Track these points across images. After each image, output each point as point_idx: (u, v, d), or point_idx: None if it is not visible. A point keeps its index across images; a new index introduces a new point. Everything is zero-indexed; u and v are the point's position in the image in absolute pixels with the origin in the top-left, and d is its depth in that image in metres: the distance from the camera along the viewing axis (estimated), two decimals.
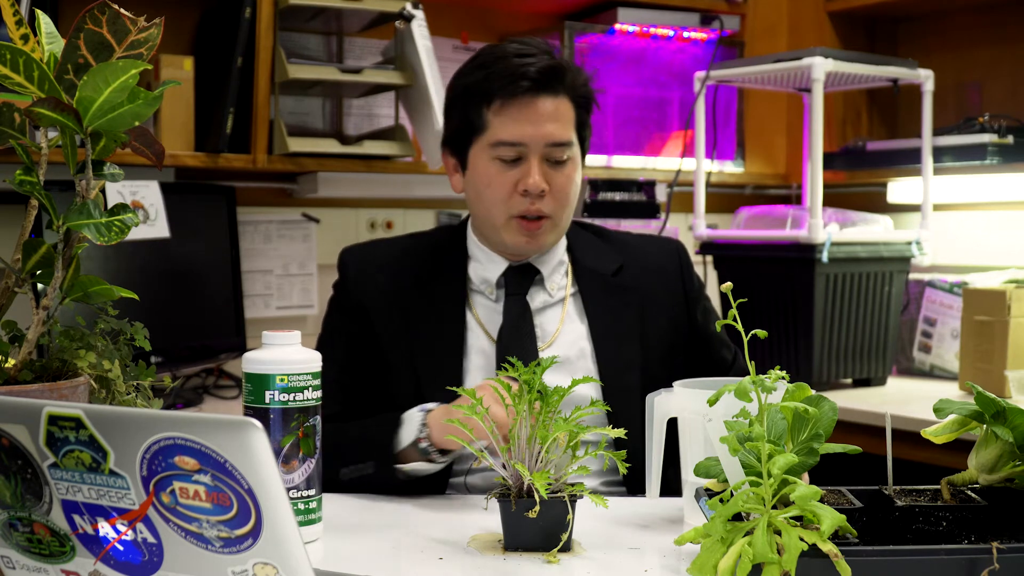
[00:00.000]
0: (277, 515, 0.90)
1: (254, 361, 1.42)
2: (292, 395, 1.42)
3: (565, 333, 1.91)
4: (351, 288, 1.94)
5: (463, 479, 1.83)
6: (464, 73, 1.90)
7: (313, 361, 1.45)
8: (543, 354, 1.88)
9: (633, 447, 1.57)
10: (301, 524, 1.43)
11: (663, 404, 1.52)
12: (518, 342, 1.87)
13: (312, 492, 1.45)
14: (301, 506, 1.44)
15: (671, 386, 1.52)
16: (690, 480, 1.48)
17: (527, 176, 1.84)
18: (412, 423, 1.71)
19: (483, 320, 1.91)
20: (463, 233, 1.98)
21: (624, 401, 1.83)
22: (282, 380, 1.41)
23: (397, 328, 1.89)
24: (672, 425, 1.53)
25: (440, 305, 1.91)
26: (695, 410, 1.47)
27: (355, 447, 1.75)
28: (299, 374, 1.42)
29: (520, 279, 1.92)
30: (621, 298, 1.94)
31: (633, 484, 1.85)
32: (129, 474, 0.93)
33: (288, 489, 1.41)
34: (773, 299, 3.01)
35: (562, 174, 1.87)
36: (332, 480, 1.67)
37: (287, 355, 1.43)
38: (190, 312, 2.81)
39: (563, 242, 1.97)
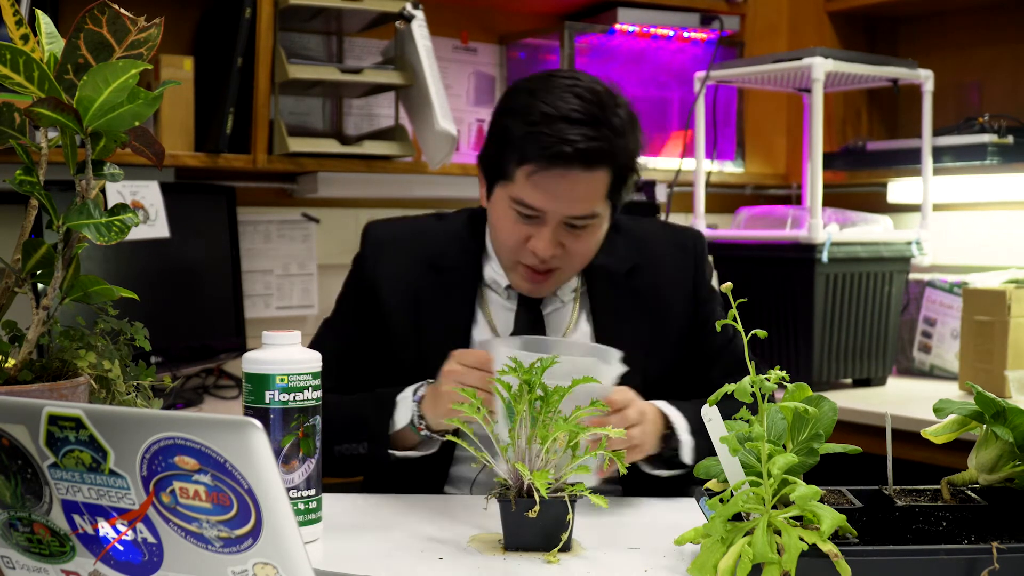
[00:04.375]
0: (277, 515, 0.90)
1: (254, 361, 1.42)
2: (292, 395, 1.42)
3: (572, 334, 1.90)
4: (367, 265, 1.93)
5: (476, 478, 1.83)
6: (511, 111, 1.78)
7: (313, 361, 1.45)
8: None
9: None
10: (301, 524, 1.43)
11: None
12: None
13: (312, 492, 1.45)
14: (301, 506, 1.44)
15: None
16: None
17: (538, 240, 1.77)
18: (405, 407, 1.74)
19: (493, 317, 1.91)
20: (484, 227, 1.93)
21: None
22: (282, 380, 1.41)
23: (406, 310, 1.89)
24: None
25: (452, 295, 1.90)
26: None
27: (349, 426, 1.76)
28: (299, 374, 1.42)
29: None
30: (631, 301, 1.91)
31: (631, 484, 1.85)
32: (129, 474, 0.93)
33: (288, 489, 1.41)
34: (773, 299, 3.01)
35: (580, 238, 1.79)
36: (325, 453, 1.62)
37: (287, 355, 1.43)
38: (190, 312, 2.81)
39: None
